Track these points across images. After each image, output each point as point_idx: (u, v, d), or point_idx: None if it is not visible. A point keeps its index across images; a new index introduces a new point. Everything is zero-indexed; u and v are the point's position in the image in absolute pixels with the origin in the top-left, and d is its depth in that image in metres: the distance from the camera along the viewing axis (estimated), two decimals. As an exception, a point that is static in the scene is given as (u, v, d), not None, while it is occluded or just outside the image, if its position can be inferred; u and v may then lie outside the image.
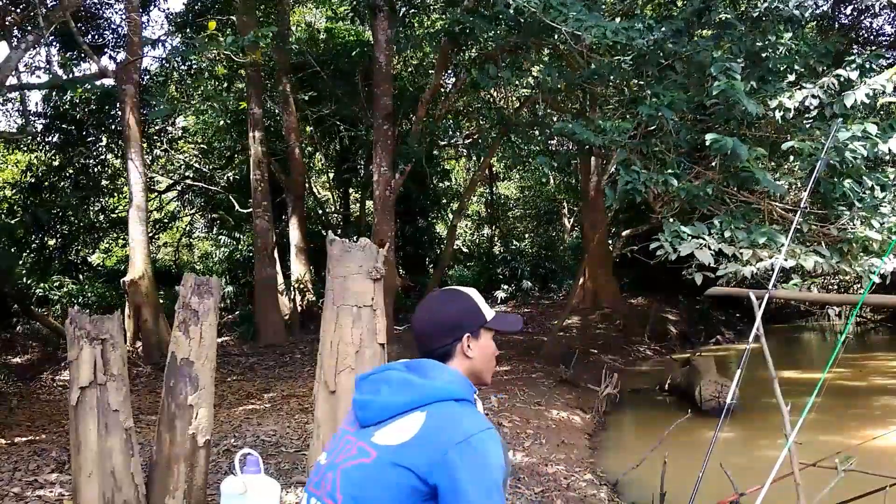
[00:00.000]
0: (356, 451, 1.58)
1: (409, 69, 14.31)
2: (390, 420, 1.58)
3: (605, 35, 6.19)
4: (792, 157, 6.09)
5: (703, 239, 5.57)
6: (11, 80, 6.31)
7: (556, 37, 8.13)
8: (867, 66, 6.06)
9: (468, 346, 1.72)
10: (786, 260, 5.52)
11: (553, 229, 21.39)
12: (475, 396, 1.70)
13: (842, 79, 5.96)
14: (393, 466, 1.49)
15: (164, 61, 14.29)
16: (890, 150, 5.57)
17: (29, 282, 12.47)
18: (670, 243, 5.50)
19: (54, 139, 13.97)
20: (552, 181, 19.76)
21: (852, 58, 6.17)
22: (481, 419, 1.58)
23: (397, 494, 1.48)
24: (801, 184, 6.40)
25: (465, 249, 21.07)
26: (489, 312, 1.77)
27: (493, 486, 1.51)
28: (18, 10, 9.71)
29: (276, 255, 11.98)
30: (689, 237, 5.56)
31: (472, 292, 1.81)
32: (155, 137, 15.58)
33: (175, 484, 3.14)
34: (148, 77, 14.61)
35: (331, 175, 18.21)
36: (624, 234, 14.85)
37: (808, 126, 6.37)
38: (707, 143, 5.66)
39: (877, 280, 5.16)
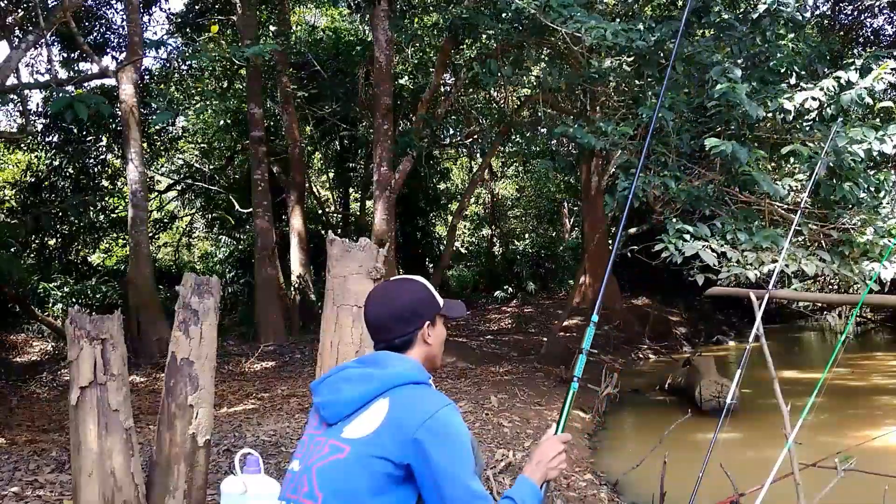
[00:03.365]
0: (328, 449, 1.60)
1: (410, 68, 14.32)
2: (356, 413, 1.62)
3: (604, 37, 6.20)
4: (792, 159, 6.09)
5: (706, 240, 5.58)
6: (12, 80, 6.31)
7: (556, 37, 8.14)
8: (868, 65, 6.06)
9: (428, 333, 1.77)
10: (787, 266, 5.53)
11: (553, 229, 21.39)
12: (430, 382, 1.73)
13: (841, 80, 5.96)
14: (367, 457, 1.54)
15: (165, 62, 14.31)
16: (882, 152, 5.58)
17: (29, 282, 12.47)
18: (674, 245, 5.50)
19: (54, 139, 13.97)
20: (552, 181, 19.77)
21: (851, 60, 6.18)
22: (441, 396, 1.64)
23: (375, 483, 1.53)
24: (802, 186, 6.40)
25: (464, 250, 21.07)
26: (440, 299, 1.82)
27: (465, 452, 1.58)
28: (19, 10, 9.72)
29: (276, 255, 11.98)
30: (692, 238, 5.57)
31: (424, 280, 1.84)
32: (155, 137, 15.58)
33: (175, 484, 3.14)
34: (148, 77, 14.62)
35: (331, 175, 18.21)
36: (631, 230, 14.84)
37: (807, 128, 6.38)
38: (707, 148, 5.67)
39: (875, 287, 5.17)
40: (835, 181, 5.87)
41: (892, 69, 5.86)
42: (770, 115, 6.12)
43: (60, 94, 5.10)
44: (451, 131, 14.65)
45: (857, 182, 5.86)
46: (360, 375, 1.67)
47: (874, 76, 5.80)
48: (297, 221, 13.07)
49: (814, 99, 5.95)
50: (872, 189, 5.98)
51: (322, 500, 1.54)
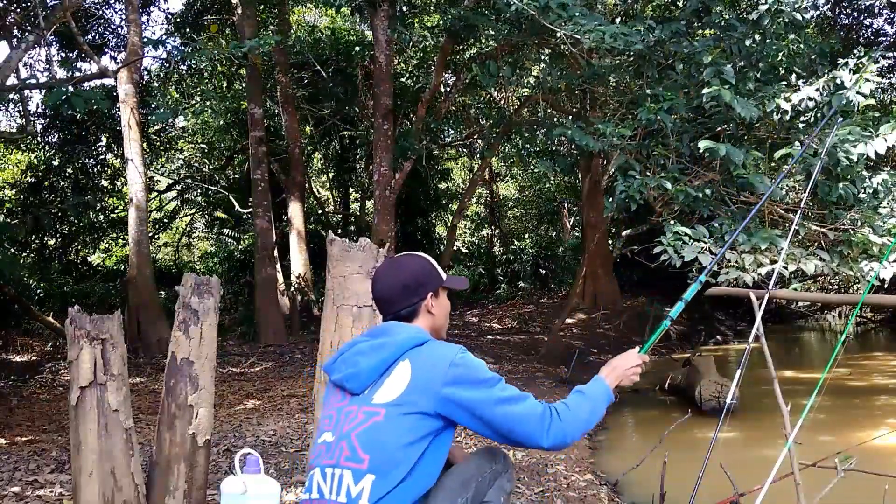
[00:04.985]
0: (363, 415, 1.72)
1: (410, 69, 14.32)
2: (380, 379, 1.75)
3: (603, 39, 6.20)
4: (790, 160, 6.09)
5: (705, 242, 5.58)
6: (12, 80, 6.31)
7: (555, 38, 8.14)
8: (863, 65, 6.06)
9: (431, 304, 1.90)
10: (786, 266, 5.52)
11: (553, 229, 21.38)
12: None
13: (837, 80, 5.97)
14: (404, 416, 1.67)
15: (164, 62, 14.31)
16: (876, 151, 5.57)
17: (29, 282, 12.47)
18: (673, 248, 5.50)
19: (54, 139, 13.97)
20: (552, 181, 19.77)
21: (845, 60, 6.18)
22: (449, 345, 1.79)
23: (413, 434, 1.67)
24: (800, 185, 6.40)
25: (464, 249, 21.07)
26: (443, 273, 1.96)
27: (490, 378, 1.74)
28: (18, 10, 9.72)
29: (276, 255, 11.98)
30: (691, 240, 5.57)
31: (426, 255, 1.98)
32: (155, 137, 15.58)
33: (175, 484, 3.14)
34: (148, 77, 14.62)
35: (331, 175, 18.21)
36: (624, 233, 14.86)
37: (804, 128, 6.38)
38: (701, 150, 5.67)
39: (876, 282, 5.17)
40: (831, 181, 5.87)
41: (876, 70, 5.87)
42: (768, 115, 6.12)
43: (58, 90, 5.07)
44: (451, 131, 14.64)
45: (854, 182, 5.86)
46: (372, 346, 1.79)
47: (857, 79, 5.80)
48: (297, 221, 13.07)
49: (810, 99, 5.96)
50: (870, 189, 5.98)
51: (369, 461, 1.65)
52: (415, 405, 1.67)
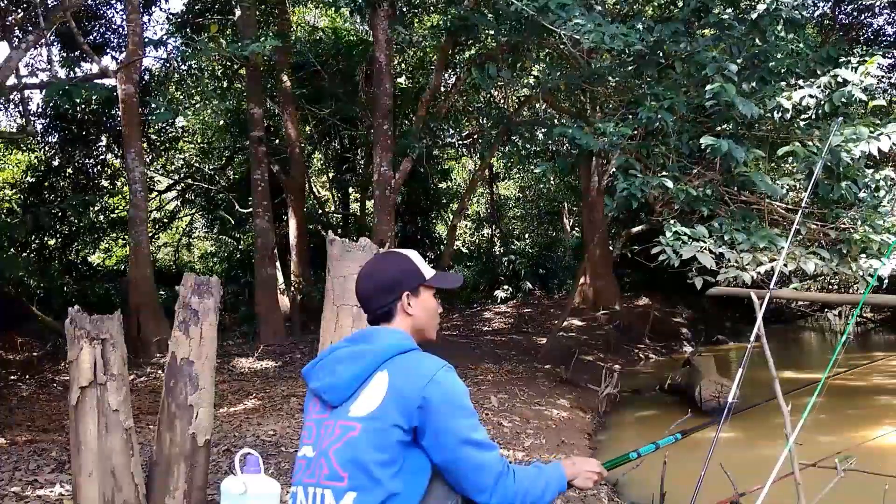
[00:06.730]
0: (339, 430, 1.65)
1: (410, 69, 14.32)
2: (358, 391, 1.67)
3: (602, 40, 6.20)
4: (791, 158, 6.10)
5: (704, 241, 5.58)
6: (12, 80, 6.31)
7: (555, 38, 8.14)
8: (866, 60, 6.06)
9: (408, 303, 1.81)
10: (786, 265, 5.52)
11: (553, 229, 21.37)
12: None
13: (839, 79, 5.97)
14: (379, 431, 1.60)
15: (164, 62, 14.31)
16: (880, 149, 5.57)
17: (29, 282, 12.46)
18: (672, 248, 5.50)
19: (54, 139, 13.97)
20: (552, 181, 19.76)
21: (847, 58, 6.19)
22: (435, 358, 1.70)
23: (390, 453, 1.60)
24: (801, 185, 6.40)
25: (464, 249, 21.07)
26: (428, 271, 1.86)
27: (467, 410, 1.66)
28: (19, 10, 9.72)
29: (276, 255, 11.98)
30: (690, 240, 5.57)
31: (411, 253, 1.89)
32: (155, 137, 15.58)
33: (175, 484, 3.14)
34: (148, 77, 14.62)
35: (331, 175, 18.21)
36: (624, 233, 14.87)
37: (805, 126, 6.38)
38: (702, 147, 5.67)
39: (875, 283, 5.17)
40: (832, 180, 5.87)
41: (878, 65, 5.88)
42: (768, 113, 6.12)
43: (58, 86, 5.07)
44: (451, 131, 14.63)
45: (856, 180, 5.86)
46: (351, 354, 1.72)
47: (860, 72, 5.81)
48: (296, 221, 13.07)
49: (811, 97, 5.96)
50: (872, 187, 5.98)
51: (349, 479, 1.60)
52: (389, 419, 1.60)
